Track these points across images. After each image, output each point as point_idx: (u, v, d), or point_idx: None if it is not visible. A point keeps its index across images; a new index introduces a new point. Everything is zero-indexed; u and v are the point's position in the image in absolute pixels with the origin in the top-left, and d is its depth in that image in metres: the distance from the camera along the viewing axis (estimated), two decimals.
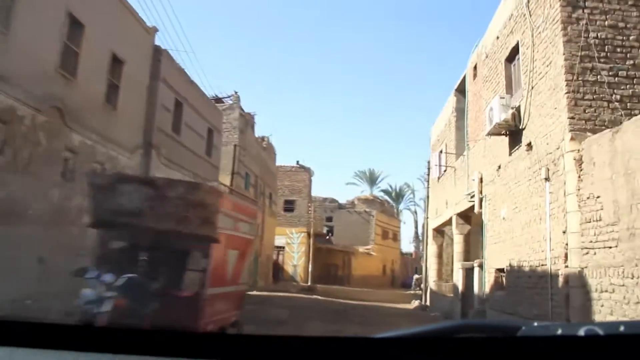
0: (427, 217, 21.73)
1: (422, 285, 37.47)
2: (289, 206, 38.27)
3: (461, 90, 16.30)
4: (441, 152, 18.31)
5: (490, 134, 10.72)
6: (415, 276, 36.95)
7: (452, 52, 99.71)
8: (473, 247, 15.54)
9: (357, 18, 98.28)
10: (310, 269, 34.69)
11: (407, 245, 67.87)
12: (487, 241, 11.45)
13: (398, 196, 66.75)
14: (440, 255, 20.17)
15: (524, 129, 9.76)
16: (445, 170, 17.50)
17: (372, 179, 63.10)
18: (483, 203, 11.96)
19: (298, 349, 1.10)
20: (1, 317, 1.26)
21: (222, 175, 22.61)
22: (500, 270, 10.59)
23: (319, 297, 22.20)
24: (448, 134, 17.31)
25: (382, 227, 52.97)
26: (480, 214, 12.22)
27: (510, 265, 9.98)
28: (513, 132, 10.22)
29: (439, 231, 20.08)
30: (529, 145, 9.36)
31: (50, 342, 1.15)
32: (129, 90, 14.29)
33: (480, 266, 12.04)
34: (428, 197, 21.49)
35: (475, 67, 13.98)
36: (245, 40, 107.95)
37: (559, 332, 1.16)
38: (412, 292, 37.20)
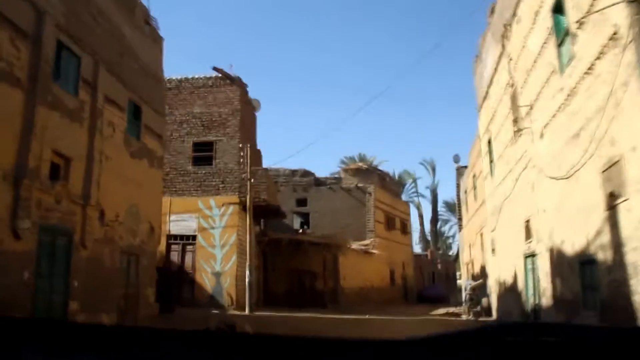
0: None
1: (485, 301, 18.93)
2: (204, 153, 19.12)
3: None
4: None
5: None
6: (470, 283, 18.05)
7: None
8: None
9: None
10: (247, 280, 15.79)
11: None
12: None
13: (397, 185, 52.78)
14: None
15: None
16: None
17: None
18: None
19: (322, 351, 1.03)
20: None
21: None
22: None
23: None
24: None
25: (385, 212, 34.33)
26: None
27: None
28: None
29: None
30: None
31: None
32: None
33: None
34: None
35: None
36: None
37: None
38: (464, 312, 18.49)
